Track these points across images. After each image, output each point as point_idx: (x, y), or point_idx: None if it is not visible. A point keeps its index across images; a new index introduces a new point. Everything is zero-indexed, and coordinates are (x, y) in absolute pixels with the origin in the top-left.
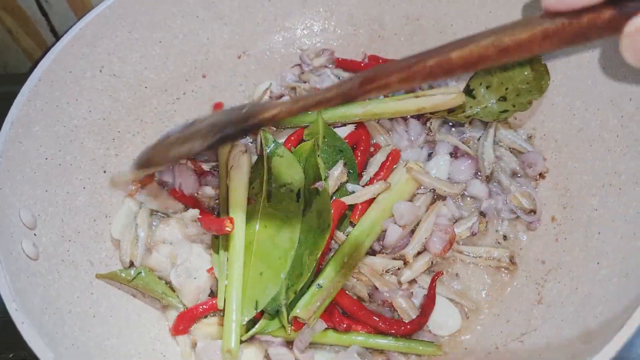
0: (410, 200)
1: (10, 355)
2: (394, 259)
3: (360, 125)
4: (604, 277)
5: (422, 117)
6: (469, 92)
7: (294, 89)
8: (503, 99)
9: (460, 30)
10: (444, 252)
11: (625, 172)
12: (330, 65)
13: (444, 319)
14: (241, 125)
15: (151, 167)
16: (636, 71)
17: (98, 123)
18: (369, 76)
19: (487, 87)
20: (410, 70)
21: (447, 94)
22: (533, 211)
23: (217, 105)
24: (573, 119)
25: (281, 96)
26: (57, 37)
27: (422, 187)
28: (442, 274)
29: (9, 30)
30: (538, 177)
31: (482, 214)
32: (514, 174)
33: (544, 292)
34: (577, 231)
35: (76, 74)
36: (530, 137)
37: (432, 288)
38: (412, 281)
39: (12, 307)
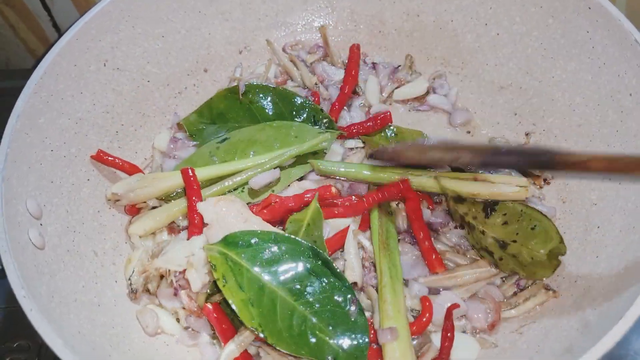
0: None
1: (15, 345)
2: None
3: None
4: (603, 270)
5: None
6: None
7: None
8: (514, 260)
9: (459, 27)
10: (492, 327)
11: None
12: (324, 61)
13: (462, 347)
14: (529, 158)
15: (400, 161)
16: (635, 68)
17: (102, 116)
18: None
19: (503, 248)
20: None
21: (510, 185)
22: None
23: None
24: (573, 114)
25: (284, 82)
26: (60, 32)
27: None
28: (459, 306)
29: (12, 25)
30: (543, 182)
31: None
32: None
33: None
34: (576, 225)
35: (81, 67)
36: (528, 134)
37: (449, 327)
38: None
39: (20, 294)
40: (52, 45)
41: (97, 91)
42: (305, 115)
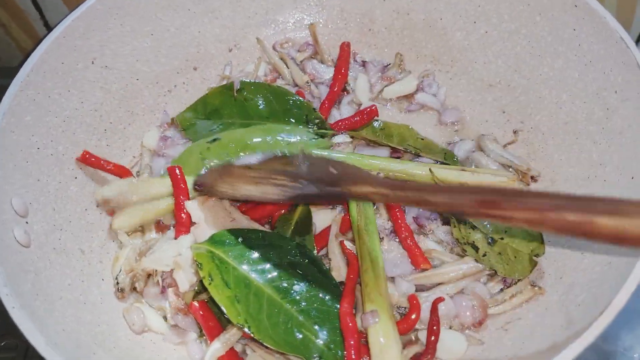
0: None
1: (2, 343)
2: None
3: None
4: (587, 266)
5: None
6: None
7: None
8: (498, 257)
9: (449, 25)
10: (479, 324)
11: (609, 164)
12: (314, 59)
13: (449, 344)
14: (326, 189)
15: (211, 192)
16: (621, 65)
17: (90, 114)
18: (491, 200)
19: (490, 244)
20: (543, 215)
21: (497, 176)
22: None
23: None
24: (559, 112)
25: (274, 80)
26: (50, 30)
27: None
28: (444, 299)
29: (3, 24)
30: (530, 180)
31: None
32: None
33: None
34: None
35: (68, 65)
36: (516, 131)
37: (434, 321)
38: None
39: (3, 292)
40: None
41: (85, 89)
42: (298, 115)
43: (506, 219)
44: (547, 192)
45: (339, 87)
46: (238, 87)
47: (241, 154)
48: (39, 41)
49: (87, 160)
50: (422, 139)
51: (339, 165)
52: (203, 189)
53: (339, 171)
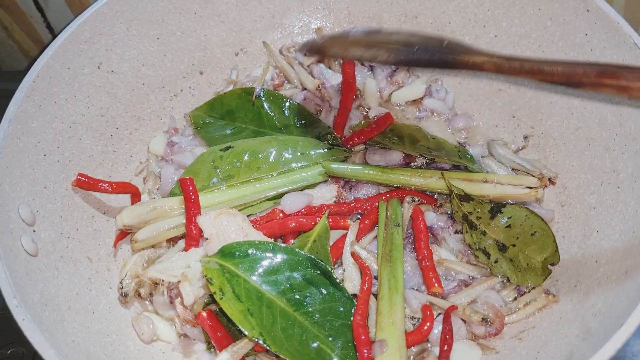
0: None
1: (9, 352)
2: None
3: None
4: (603, 275)
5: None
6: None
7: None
8: (510, 263)
9: (458, 29)
10: (495, 335)
11: (623, 171)
12: (321, 64)
13: (463, 353)
14: (437, 57)
15: (323, 54)
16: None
17: (96, 119)
18: (611, 71)
19: (502, 251)
20: None
21: (519, 187)
22: None
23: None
24: (571, 117)
25: (281, 84)
26: (53, 33)
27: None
28: (456, 307)
29: (5, 26)
30: (548, 182)
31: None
32: None
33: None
34: (575, 229)
35: (74, 70)
36: (526, 137)
37: (447, 330)
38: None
39: (13, 304)
40: (46, 47)
41: (91, 94)
42: (312, 132)
43: (623, 89)
44: None
45: (349, 103)
46: (258, 94)
47: (257, 166)
48: (42, 45)
49: (84, 184)
50: (434, 138)
51: (452, 41)
52: (313, 51)
53: (450, 43)
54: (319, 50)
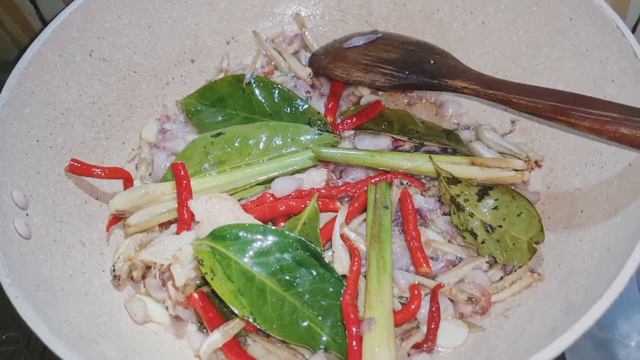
0: None
1: (3, 337)
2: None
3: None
4: (586, 253)
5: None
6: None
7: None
8: (497, 244)
9: (446, 15)
10: (482, 313)
11: (606, 151)
12: (304, 50)
13: (450, 331)
14: (425, 80)
15: (328, 77)
16: (617, 54)
17: (88, 107)
18: (564, 108)
19: (489, 232)
20: (602, 127)
21: (507, 170)
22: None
23: None
24: None
25: (271, 72)
26: (45, 24)
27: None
28: (443, 286)
29: None
30: (535, 164)
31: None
32: None
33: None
34: (560, 210)
35: (66, 57)
36: (514, 121)
37: (435, 308)
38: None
39: (6, 282)
40: (37, 35)
41: (83, 82)
42: (302, 118)
43: (572, 125)
44: (612, 103)
45: (340, 91)
46: (248, 81)
47: (248, 151)
48: (34, 35)
49: (77, 169)
50: (422, 122)
51: (439, 57)
52: (318, 69)
53: (437, 62)
54: (324, 73)
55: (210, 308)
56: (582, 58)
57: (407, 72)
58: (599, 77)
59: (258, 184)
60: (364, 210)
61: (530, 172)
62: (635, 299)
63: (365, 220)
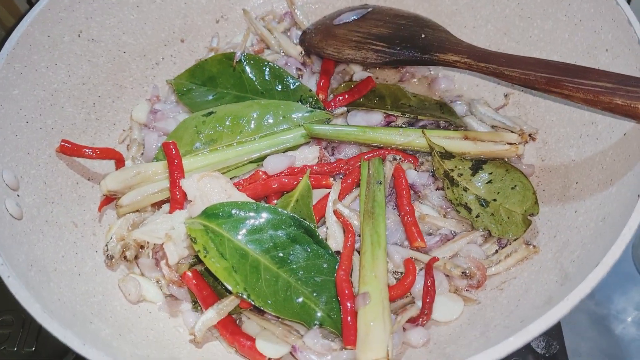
0: None
1: None
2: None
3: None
4: (582, 224)
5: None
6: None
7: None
8: (491, 217)
9: None
10: (477, 287)
11: (601, 122)
12: (295, 28)
13: (446, 305)
14: (417, 55)
15: (319, 55)
16: (611, 23)
17: (78, 87)
18: (557, 79)
19: (483, 206)
20: (596, 98)
21: (500, 144)
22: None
23: None
24: None
25: (261, 50)
26: (32, 5)
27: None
28: (438, 259)
29: None
30: (529, 137)
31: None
32: None
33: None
34: (555, 182)
35: (54, 38)
36: (507, 95)
37: (430, 282)
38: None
39: None
40: (24, 16)
41: (72, 62)
42: (293, 95)
43: (566, 97)
44: (606, 72)
45: (331, 68)
46: (239, 59)
47: (239, 129)
48: (21, 16)
49: (68, 150)
50: (415, 96)
51: (430, 30)
52: (309, 48)
53: (429, 36)
54: (316, 52)
55: (204, 286)
56: (576, 28)
57: (399, 48)
58: (592, 47)
59: (250, 162)
60: (357, 186)
61: (524, 145)
62: (631, 275)
63: (358, 196)
